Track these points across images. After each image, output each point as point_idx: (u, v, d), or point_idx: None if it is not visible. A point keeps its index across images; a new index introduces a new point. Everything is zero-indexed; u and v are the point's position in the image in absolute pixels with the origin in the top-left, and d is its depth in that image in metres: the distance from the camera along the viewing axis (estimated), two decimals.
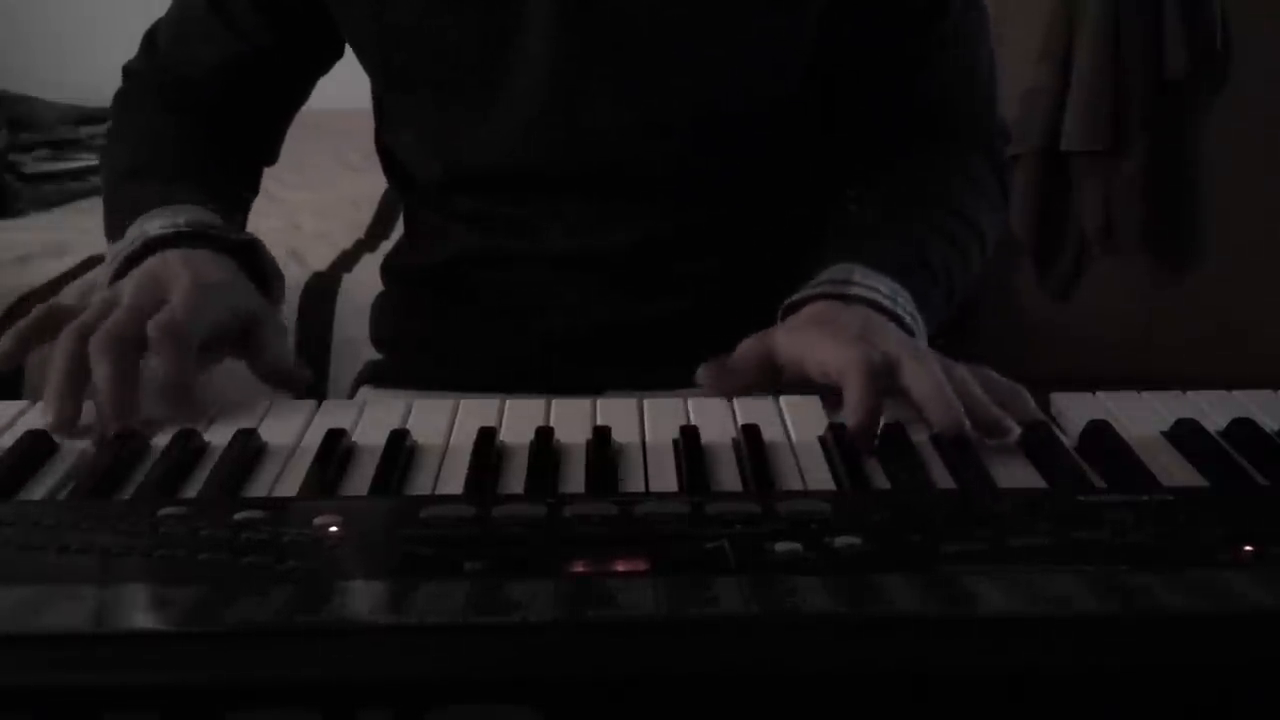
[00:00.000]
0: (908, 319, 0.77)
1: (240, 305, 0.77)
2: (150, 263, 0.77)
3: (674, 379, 0.85)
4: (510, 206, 0.93)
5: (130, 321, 0.70)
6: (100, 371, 0.68)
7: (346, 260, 2.18)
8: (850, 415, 0.65)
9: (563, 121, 0.88)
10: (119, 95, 1.01)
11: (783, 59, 0.88)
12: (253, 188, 1.02)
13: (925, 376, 0.66)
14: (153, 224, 0.81)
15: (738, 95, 0.88)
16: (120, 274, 0.79)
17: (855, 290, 0.77)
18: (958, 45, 0.92)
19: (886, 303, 0.77)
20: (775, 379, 0.73)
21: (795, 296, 0.79)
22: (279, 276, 0.86)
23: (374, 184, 2.57)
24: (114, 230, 0.87)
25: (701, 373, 0.74)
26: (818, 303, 0.78)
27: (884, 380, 0.67)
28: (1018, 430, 0.65)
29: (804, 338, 0.74)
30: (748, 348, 0.74)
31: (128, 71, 1.01)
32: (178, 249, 0.78)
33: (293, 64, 0.98)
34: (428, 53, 0.89)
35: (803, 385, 0.72)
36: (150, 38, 1.00)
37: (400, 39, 0.89)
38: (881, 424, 0.65)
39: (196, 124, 0.97)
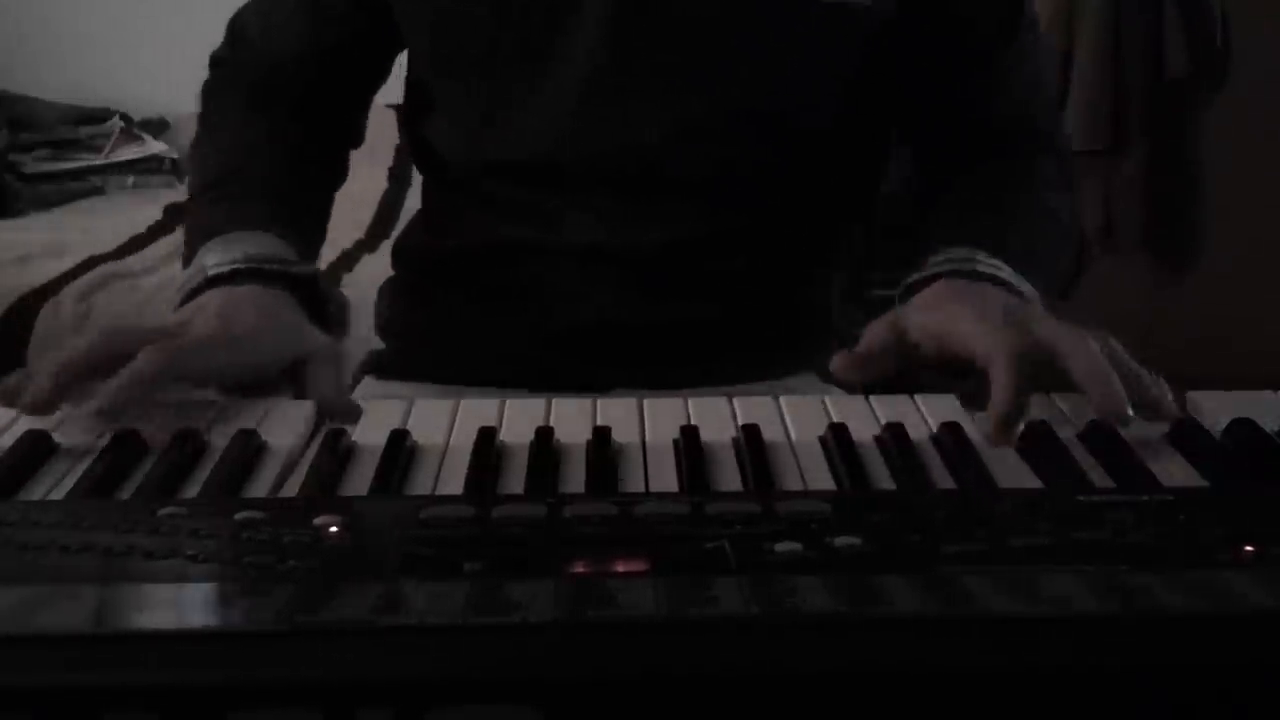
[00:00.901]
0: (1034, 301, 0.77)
1: (274, 352, 0.74)
2: (198, 301, 0.76)
3: (685, 380, 0.85)
4: (542, 196, 0.92)
5: (123, 342, 0.69)
6: (61, 353, 0.68)
7: (347, 260, 2.18)
8: (996, 403, 0.64)
9: (605, 116, 0.88)
10: (206, 87, 1.00)
11: (832, 68, 0.88)
12: (341, 174, 1.02)
13: (1087, 358, 0.65)
14: (210, 258, 0.80)
15: (783, 101, 0.89)
16: (184, 303, 0.78)
17: (982, 269, 0.77)
18: (1027, 62, 0.94)
19: (1014, 282, 0.77)
20: (905, 362, 0.72)
21: (917, 276, 0.79)
22: (339, 306, 0.85)
23: (374, 184, 2.58)
24: (189, 248, 0.86)
25: (836, 362, 0.72)
26: (946, 280, 0.77)
27: (1033, 369, 0.66)
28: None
29: (943, 314, 0.73)
30: (876, 332, 0.73)
31: (215, 61, 1.00)
32: (231, 287, 0.77)
33: (379, 45, 0.97)
34: (478, 39, 0.89)
35: (938, 367, 0.71)
36: (234, 26, 0.99)
37: (451, 24, 0.89)
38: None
39: (288, 118, 0.96)
